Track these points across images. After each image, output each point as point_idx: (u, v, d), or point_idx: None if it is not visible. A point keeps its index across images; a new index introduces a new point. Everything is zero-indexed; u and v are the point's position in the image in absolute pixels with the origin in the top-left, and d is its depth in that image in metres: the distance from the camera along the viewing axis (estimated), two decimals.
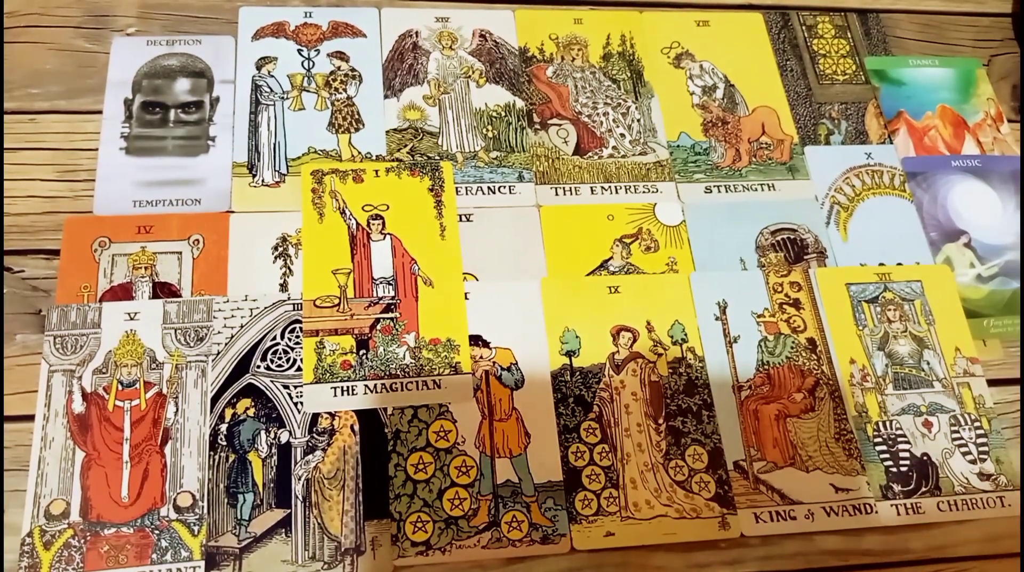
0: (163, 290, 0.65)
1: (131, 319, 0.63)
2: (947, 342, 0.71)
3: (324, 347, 0.64)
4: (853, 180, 0.78)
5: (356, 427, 0.62)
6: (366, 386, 0.63)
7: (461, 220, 0.70)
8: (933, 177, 0.79)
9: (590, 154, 0.76)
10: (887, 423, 0.67)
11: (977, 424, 0.68)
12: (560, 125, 0.77)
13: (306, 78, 0.75)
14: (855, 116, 0.82)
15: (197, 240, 0.67)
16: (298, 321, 0.65)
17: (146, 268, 0.65)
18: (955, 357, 0.70)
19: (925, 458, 0.66)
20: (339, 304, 0.66)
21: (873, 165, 0.79)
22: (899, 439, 0.66)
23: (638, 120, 0.78)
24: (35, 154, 0.70)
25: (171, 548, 0.57)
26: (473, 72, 0.78)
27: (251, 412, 0.62)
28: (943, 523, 0.65)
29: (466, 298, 0.67)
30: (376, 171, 0.71)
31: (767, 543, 0.63)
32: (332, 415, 0.62)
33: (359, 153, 0.73)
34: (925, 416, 0.68)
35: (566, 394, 0.65)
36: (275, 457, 0.61)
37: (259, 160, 0.71)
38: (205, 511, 0.59)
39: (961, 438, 0.67)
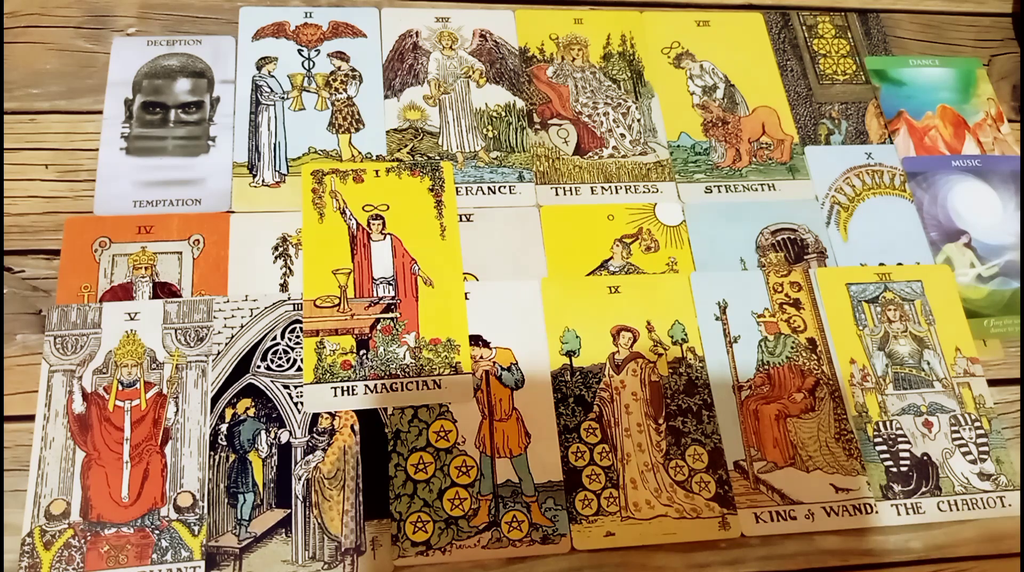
0: (163, 290, 0.65)
1: (131, 319, 0.63)
2: (947, 342, 0.71)
3: (324, 347, 0.64)
4: (853, 180, 0.78)
5: (356, 427, 0.62)
6: (366, 386, 0.63)
7: (461, 220, 0.70)
8: (933, 177, 0.79)
9: (590, 154, 0.76)
10: (887, 423, 0.67)
11: (977, 424, 0.68)
12: (560, 125, 0.77)
13: (306, 78, 0.75)
14: (855, 116, 0.82)
15: (197, 240, 0.67)
16: (298, 321, 0.65)
17: (146, 268, 0.65)
18: (955, 357, 0.70)
19: (925, 458, 0.66)
20: (339, 304, 0.66)
21: (873, 165, 0.79)
22: (899, 439, 0.66)
23: (638, 120, 0.78)
24: (35, 154, 0.70)
25: (171, 548, 0.57)
26: (473, 72, 0.78)
27: (251, 412, 0.62)
28: (943, 523, 0.65)
29: (466, 298, 0.67)
30: (376, 171, 0.71)
31: (767, 543, 0.63)
32: (332, 415, 0.62)
33: (359, 153, 0.73)
34: (925, 416, 0.68)
35: (566, 394, 0.65)
36: (275, 457, 0.61)
37: (259, 160, 0.71)
38: (205, 511, 0.59)
39: (961, 438, 0.67)
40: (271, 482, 0.60)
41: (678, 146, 0.77)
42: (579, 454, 0.63)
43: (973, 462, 0.66)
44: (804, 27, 0.86)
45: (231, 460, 0.60)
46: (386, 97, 0.75)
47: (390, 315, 0.66)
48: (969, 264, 0.76)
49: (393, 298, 0.67)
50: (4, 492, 0.58)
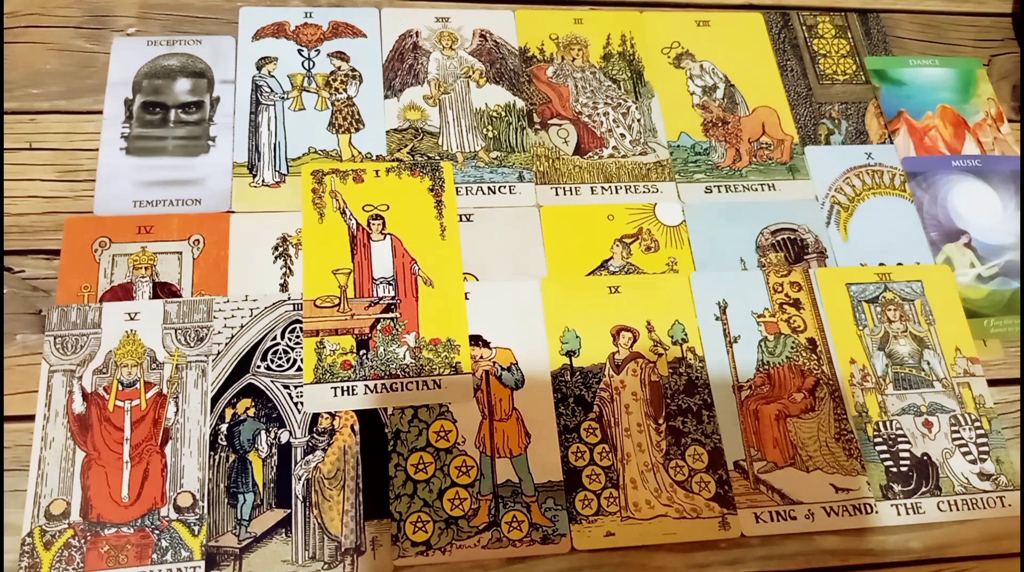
0: (163, 290, 0.65)
1: (131, 319, 0.63)
2: (947, 342, 0.71)
3: (324, 347, 0.64)
4: (853, 180, 0.78)
5: (356, 427, 0.62)
6: (366, 386, 0.63)
7: (461, 220, 0.71)
8: (933, 177, 0.79)
9: (590, 154, 0.76)
10: (887, 423, 0.67)
11: (977, 424, 0.68)
12: (560, 125, 0.77)
13: (306, 78, 0.75)
14: (855, 116, 0.82)
15: (197, 240, 0.67)
16: (298, 321, 0.65)
17: (146, 268, 0.65)
18: (955, 357, 0.70)
19: (925, 458, 0.66)
20: (339, 304, 0.66)
21: (873, 165, 0.79)
22: (899, 439, 0.66)
23: (638, 120, 0.78)
24: (35, 154, 0.70)
25: (171, 548, 0.57)
26: (473, 72, 0.78)
27: (251, 412, 0.62)
28: (943, 523, 0.65)
29: (466, 298, 0.67)
30: (376, 171, 0.71)
31: (767, 543, 0.63)
32: (332, 415, 0.62)
33: (359, 153, 0.73)
34: (925, 416, 0.68)
35: (566, 394, 0.65)
36: (275, 457, 0.61)
37: (259, 160, 0.71)
38: (205, 511, 0.59)
39: (961, 438, 0.67)
40: (271, 482, 0.60)
41: (678, 146, 0.77)
42: (579, 454, 0.63)
43: (973, 462, 0.66)
44: (804, 27, 0.86)
45: (231, 460, 0.60)
46: (386, 97, 0.75)
47: (390, 315, 0.66)
48: (969, 264, 0.76)
49: (393, 298, 0.67)
50: (4, 492, 0.58)
